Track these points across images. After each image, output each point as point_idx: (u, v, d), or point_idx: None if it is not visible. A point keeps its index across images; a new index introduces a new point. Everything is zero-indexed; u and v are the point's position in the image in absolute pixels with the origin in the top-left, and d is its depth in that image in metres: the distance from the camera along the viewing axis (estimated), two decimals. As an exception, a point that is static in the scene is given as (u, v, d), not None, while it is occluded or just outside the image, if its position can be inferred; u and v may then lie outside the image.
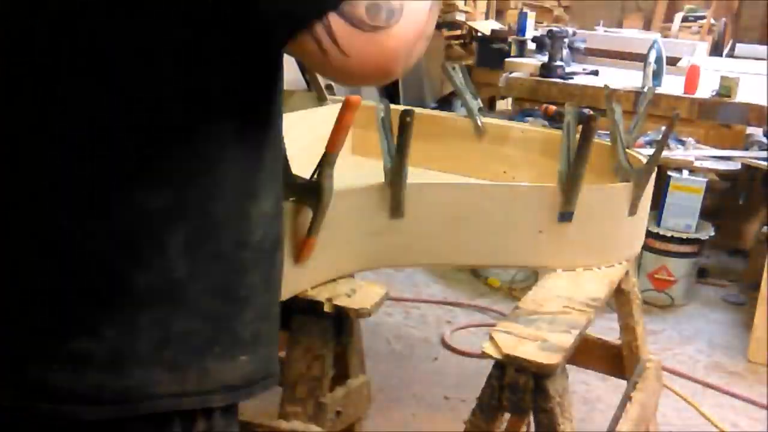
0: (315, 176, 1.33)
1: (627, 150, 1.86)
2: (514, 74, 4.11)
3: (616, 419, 1.77)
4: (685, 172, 3.49)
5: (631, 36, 5.56)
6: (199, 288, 0.96)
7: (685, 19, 6.96)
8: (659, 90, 3.64)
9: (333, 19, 0.81)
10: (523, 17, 4.87)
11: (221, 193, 0.95)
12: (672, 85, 3.82)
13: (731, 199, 4.15)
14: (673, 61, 4.21)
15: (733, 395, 2.94)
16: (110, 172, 0.92)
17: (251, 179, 0.98)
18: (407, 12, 0.84)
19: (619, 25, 7.42)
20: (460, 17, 5.76)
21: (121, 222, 0.93)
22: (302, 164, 1.42)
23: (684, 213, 3.52)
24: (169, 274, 0.94)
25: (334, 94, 2.46)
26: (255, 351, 1.02)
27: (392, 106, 1.77)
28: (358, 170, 1.48)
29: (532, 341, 1.41)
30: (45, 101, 0.95)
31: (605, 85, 2.28)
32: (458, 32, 5.76)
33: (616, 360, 2.04)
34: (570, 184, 1.64)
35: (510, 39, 4.77)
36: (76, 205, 0.93)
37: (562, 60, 4.02)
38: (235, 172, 0.96)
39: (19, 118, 0.98)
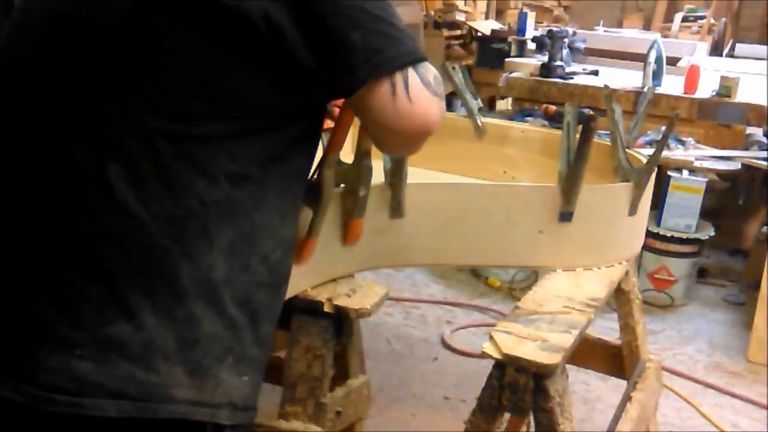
0: (315, 177, 1.33)
1: (627, 150, 1.86)
2: (514, 74, 4.11)
3: (616, 419, 1.77)
4: (685, 172, 3.49)
5: (631, 36, 5.56)
6: (229, 293, 0.98)
7: (685, 19, 6.96)
8: (659, 90, 3.64)
9: (410, 72, 1.01)
10: (523, 17, 4.87)
11: (264, 205, 1.00)
12: (672, 85, 3.82)
13: (731, 199, 4.15)
14: (673, 61, 4.21)
15: (733, 395, 2.94)
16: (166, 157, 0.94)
17: (283, 202, 1.04)
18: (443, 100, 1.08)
19: (619, 25, 7.43)
20: (460, 17, 5.75)
21: (181, 207, 0.95)
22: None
23: (684, 213, 3.52)
24: (210, 271, 0.96)
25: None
26: (252, 374, 1.04)
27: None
28: (358, 170, 1.48)
29: (532, 341, 1.41)
30: (45, 101, 0.96)
31: (605, 85, 2.28)
32: (458, 32, 5.75)
33: (616, 360, 2.04)
34: (570, 184, 1.64)
35: (510, 39, 4.76)
36: (139, 187, 0.94)
37: (562, 60, 4.02)
38: (276, 189, 1.02)
39: (19, 118, 0.98)
